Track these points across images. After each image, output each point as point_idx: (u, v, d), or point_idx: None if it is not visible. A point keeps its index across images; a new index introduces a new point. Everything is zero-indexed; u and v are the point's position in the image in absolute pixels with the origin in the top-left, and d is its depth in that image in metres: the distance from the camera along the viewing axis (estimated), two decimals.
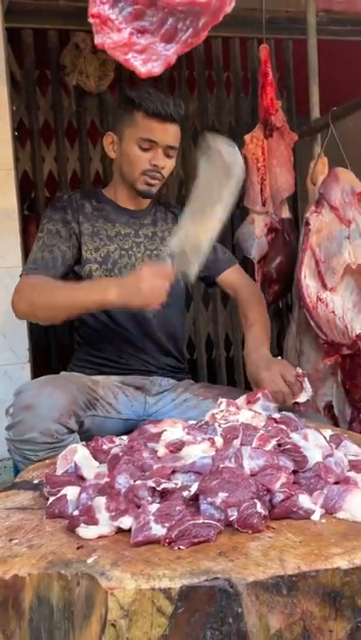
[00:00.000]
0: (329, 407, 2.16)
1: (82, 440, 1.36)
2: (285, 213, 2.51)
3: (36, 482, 1.06)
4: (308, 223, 2.15)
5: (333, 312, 2.06)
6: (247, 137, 2.48)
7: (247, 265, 2.69)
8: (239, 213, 2.74)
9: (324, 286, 2.10)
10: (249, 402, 1.21)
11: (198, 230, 1.34)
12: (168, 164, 1.58)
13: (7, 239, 2.20)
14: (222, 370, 2.93)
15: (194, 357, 2.89)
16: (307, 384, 1.44)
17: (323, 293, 2.10)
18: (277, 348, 2.95)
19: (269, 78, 2.41)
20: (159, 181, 1.59)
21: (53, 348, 2.75)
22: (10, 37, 2.36)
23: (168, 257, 1.37)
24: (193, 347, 2.87)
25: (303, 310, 2.14)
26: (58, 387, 1.35)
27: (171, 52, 0.59)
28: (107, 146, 1.62)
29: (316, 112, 2.46)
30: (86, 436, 1.38)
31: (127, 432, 1.39)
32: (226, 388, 2.05)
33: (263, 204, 2.46)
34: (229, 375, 2.96)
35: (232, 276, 1.75)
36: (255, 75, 2.72)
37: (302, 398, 1.43)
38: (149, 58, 0.59)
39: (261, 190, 2.46)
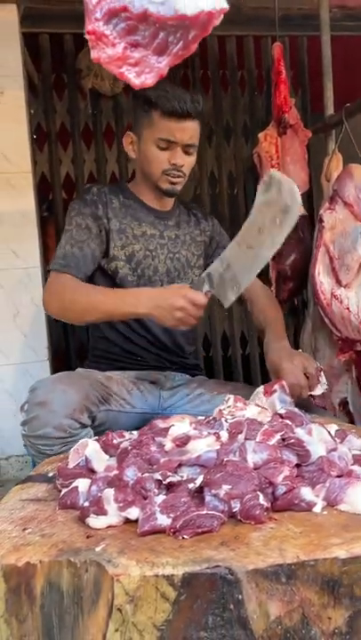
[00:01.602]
0: (344, 403, 2.16)
1: (96, 434, 1.41)
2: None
3: (50, 475, 1.10)
4: (321, 220, 2.16)
5: (348, 309, 2.06)
6: (261, 135, 2.49)
7: None
8: None
9: (339, 283, 2.11)
10: (266, 393, 1.22)
11: (242, 264, 1.31)
12: (188, 162, 1.58)
13: (26, 241, 2.26)
14: (238, 367, 2.95)
15: (210, 354, 2.92)
16: (323, 378, 1.47)
17: (337, 290, 2.11)
18: (294, 346, 2.96)
19: (283, 76, 2.42)
20: (182, 179, 1.59)
21: (72, 346, 2.80)
22: (27, 42, 2.42)
23: (205, 281, 1.34)
24: (209, 344, 2.89)
25: (318, 307, 2.15)
26: (70, 383, 1.39)
27: (163, 65, 0.62)
28: (126, 146, 1.62)
29: (330, 108, 2.46)
30: (101, 429, 1.43)
31: (142, 425, 1.43)
32: (240, 384, 2.08)
33: None
34: (245, 372, 2.98)
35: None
36: (270, 72, 2.73)
37: (318, 391, 1.46)
38: (143, 70, 0.62)
39: None
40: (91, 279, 1.58)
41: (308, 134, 2.53)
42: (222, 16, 0.58)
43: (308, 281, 2.24)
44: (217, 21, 0.58)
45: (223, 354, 2.95)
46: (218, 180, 2.93)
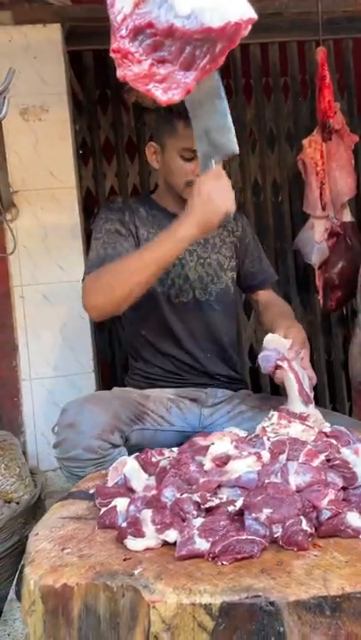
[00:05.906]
0: None
1: (131, 454, 1.39)
2: (347, 217, 2.45)
3: (91, 492, 1.09)
4: None
5: None
6: (305, 141, 2.44)
7: (308, 271, 2.65)
8: (300, 218, 2.70)
9: None
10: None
11: (212, 121, 1.22)
12: None
13: (71, 254, 2.28)
14: None
15: (256, 366, 2.86)
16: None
17: None
18: (343, 355, 2.87)
19: (326, 81, 2.36)
20: None
21: (118, 357, 2.82)
22: (71, 60, 2.46)
23: (204, 161, 1.29)
24: (255, 355, 2.84)
25: None
26: (99, 404, 1.39)
27: (190, 80, 0.60)
28: (149, 156, 1.61)
29: None
30: (136, 449, 1.40)
31: (181, 444, 1.40)
32: (284, 398, 2.01)
33: (323, 209, 2.41)
34: None
35: (268, 295, 1.79)
36: (314, 77, 2.68)
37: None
38: (170, 86, 0.60)
39: (321, 194, 2.40)
40: None
41: (355, 139, 2.46)
42: (250, 26, 0.56)
43: (358, 289, 2.17)
44: (245, 32, 0.56)
45: None
46: (262, 188, 2.88)
